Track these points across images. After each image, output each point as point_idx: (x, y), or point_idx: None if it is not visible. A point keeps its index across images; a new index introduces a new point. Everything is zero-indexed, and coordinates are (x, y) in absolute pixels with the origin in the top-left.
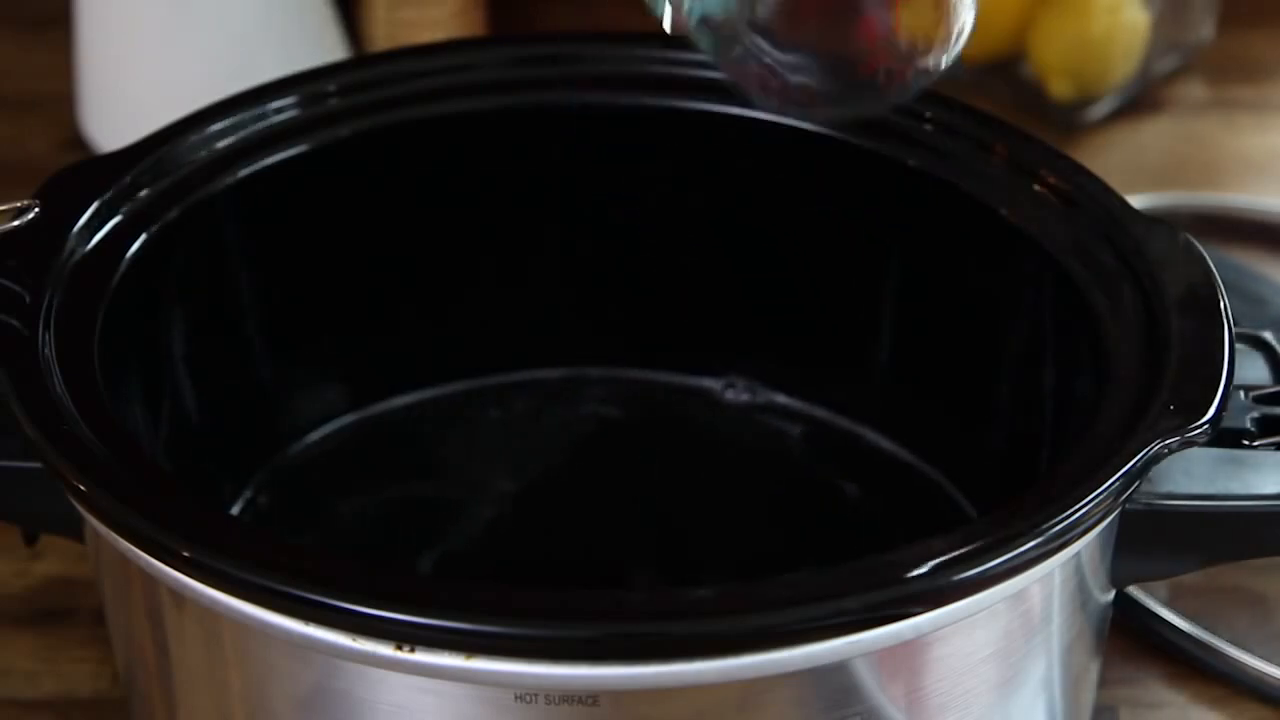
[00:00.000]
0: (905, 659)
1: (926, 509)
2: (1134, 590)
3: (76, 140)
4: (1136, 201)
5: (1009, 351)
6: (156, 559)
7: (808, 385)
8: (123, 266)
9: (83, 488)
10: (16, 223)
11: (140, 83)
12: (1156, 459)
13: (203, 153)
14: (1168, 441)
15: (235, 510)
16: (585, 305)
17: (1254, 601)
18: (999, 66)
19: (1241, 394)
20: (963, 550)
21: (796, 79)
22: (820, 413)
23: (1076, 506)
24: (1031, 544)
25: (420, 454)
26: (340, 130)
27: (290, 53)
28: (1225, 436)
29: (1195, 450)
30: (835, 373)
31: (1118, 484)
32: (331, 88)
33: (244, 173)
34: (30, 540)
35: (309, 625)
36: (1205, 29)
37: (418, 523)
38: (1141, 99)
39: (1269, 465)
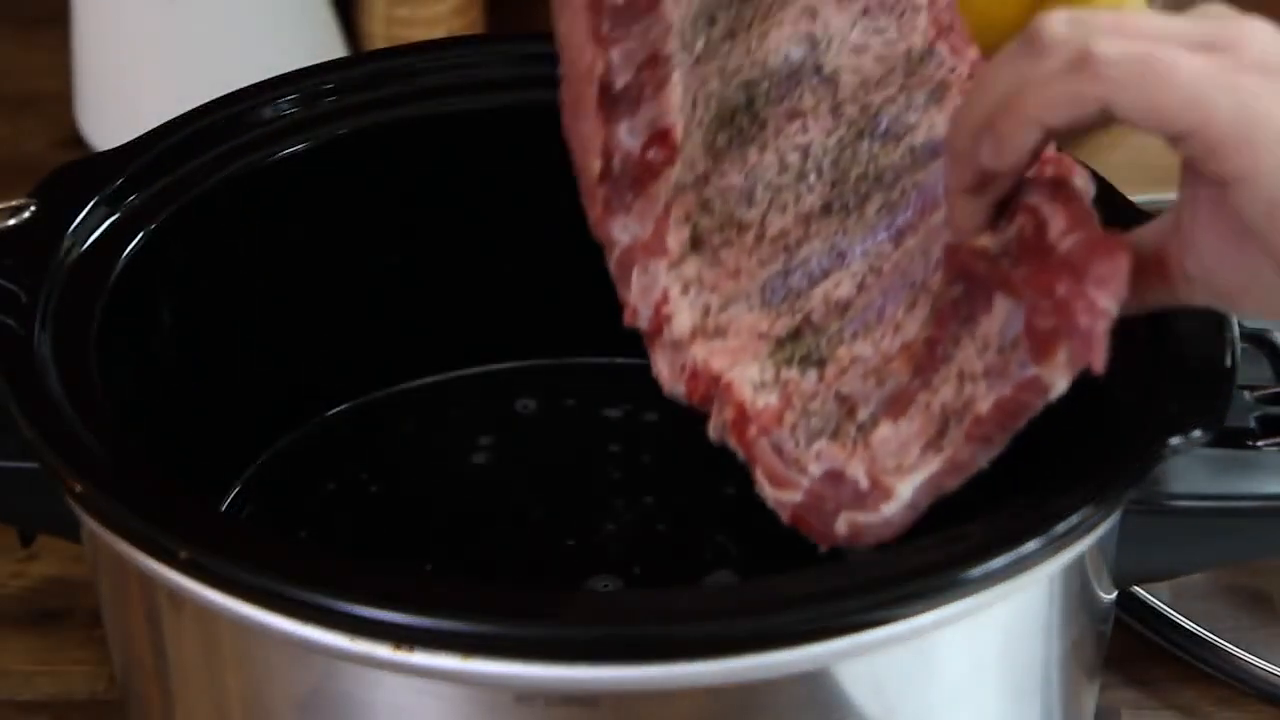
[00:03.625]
0: (905, 659)
1: (926, 508)
2: (1137, 590)
3: (74, 138)
4: (1138, 201)
5: None
6: (154, 559)
7: None
8: (120, 265)
9: (80, 488)
10: (13, 221)
11: (138, 81)
12: (1160, 459)
13: (200, 151)
14: (1171, 441)
15: (229, 507)
16: (585, 301)
17: (1257, 602)
18: None
19: (1245, 394)
20: (963, 550)
21: None
22: None
23: (1078, 506)
24: (1032, 544)
25: (420, 452)
26: (338, 128)
27: (288, 50)
28: (1229, 436)
29: (1199, 450)
30: None
31: (1120, 484)
32: (330, 85)
33: (241, 170)
34: (27, 541)
35: (307, 626)
36: None
37: (417, 522)
38: None
39: (1272, 465)
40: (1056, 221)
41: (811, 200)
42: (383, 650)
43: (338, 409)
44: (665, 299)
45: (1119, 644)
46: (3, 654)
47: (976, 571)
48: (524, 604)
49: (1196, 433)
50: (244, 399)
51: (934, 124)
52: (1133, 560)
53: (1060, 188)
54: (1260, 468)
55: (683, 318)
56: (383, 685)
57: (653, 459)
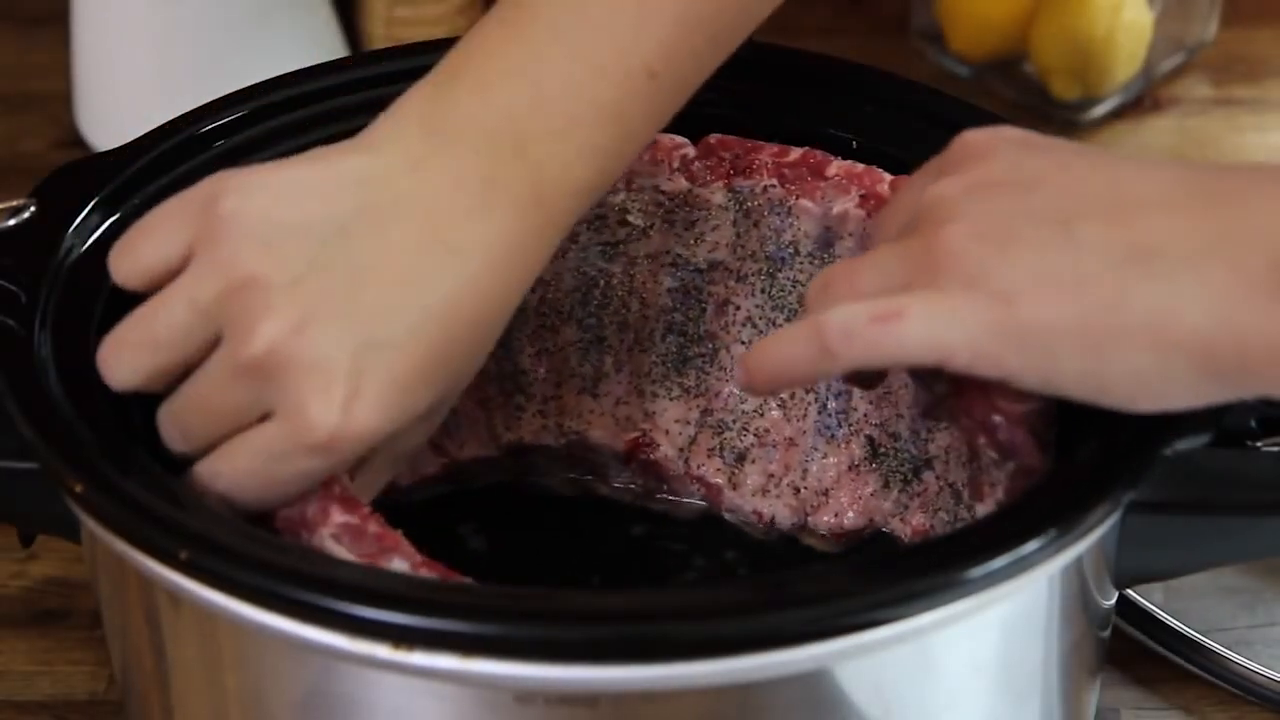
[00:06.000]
0: (905, 659)
1: None
2: (1135, 592)
3: (73, 139)
4: None
5: None
6: (154, 559)
7: None
8: None
9: (79, 488)
10: (13, 221)
11: (137, 81)
12: (1159, 459)
13: (199, 151)
14: (1171, 442)
15: None
16: None
17: (1255, 603)
18: (1001, 64)
19: None
20: (963, 550)
21: None
22: None
23: (1078, 507)
24: (1032, 544)
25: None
26: (338, 129)
27: (288, 51)
28: (1229, 436)
29: (1198, 450)
30: None
31: (1120, 485)
32: (329, 86)
33: None
34: (27, 541)
35: (306, 626)
36: (1208, 28)
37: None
38: (1144, 97)
39: (1272, 465)
40: None
41: None
42: (382, 650)
43: None
44: (759, 515)
45: (1119, 644)
46: (3, 654)
47: (976, 572)
48: (524, 604)
49: (1196, 433)
50: None
51: (797, 228)
52: (1133, 560)
53: None
54: (1260, 468)
55: (783, 511)
56: (382, 685)
57: None
